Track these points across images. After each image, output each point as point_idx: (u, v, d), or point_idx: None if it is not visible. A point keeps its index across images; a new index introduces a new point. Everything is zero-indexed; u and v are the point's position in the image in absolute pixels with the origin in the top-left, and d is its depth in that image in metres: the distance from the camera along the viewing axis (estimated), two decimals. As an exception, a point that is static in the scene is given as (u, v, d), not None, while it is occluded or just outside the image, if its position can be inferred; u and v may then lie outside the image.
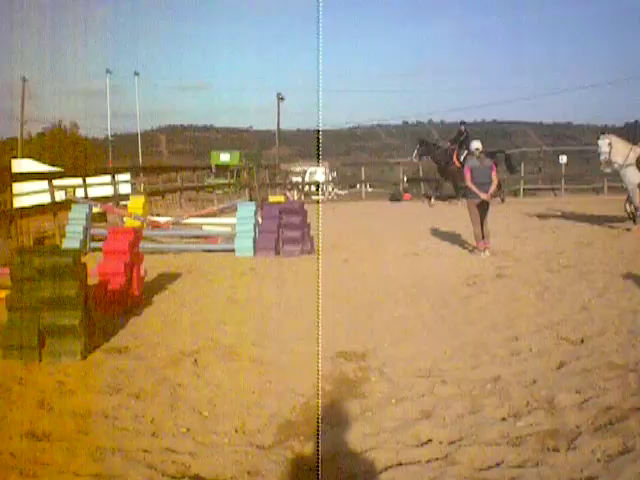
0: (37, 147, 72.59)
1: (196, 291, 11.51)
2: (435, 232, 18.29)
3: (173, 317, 9.74)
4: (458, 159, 28.81)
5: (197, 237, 17.36)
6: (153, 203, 25.94)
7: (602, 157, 17.31)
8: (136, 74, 71.37)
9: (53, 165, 41.24)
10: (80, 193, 22.33)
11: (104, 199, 21.97)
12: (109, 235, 10.60)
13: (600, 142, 17.42)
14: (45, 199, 20.36)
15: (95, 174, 27.29)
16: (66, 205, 18.12)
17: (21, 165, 39.40)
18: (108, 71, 69.93)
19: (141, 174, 33.45)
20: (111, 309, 9.34)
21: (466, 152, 28.04)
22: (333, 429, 5.66)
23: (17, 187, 20.31)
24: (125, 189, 27.74)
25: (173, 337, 8.60)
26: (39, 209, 19.47)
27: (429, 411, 6.09)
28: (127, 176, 30.47)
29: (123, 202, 22.90)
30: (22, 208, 18.61)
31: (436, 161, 30.42)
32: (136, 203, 19.65)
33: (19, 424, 5.84)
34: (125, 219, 18.63)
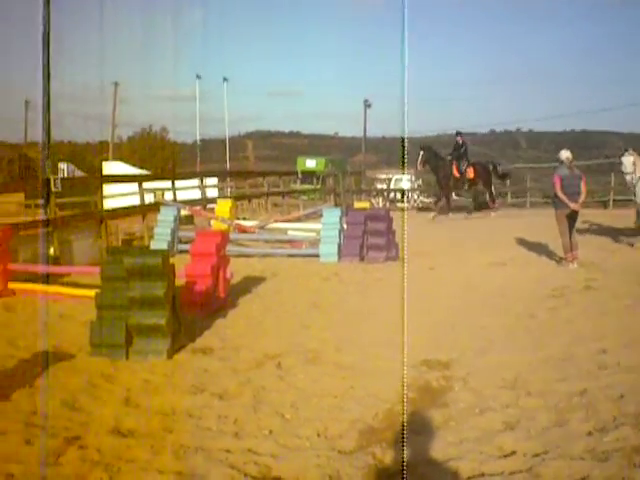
0: (127, 150, 74.10)
1: (280, 295, 11.58)
2: (522, 242, 18.00)
3: (257, 320, 9.83)
4: (458, 170, 27.71)
5: (282, 242, 17.45)
6: (239, 207, 26.20)
7: (628, 177, 16.27)
8: (225, 80, 72.27)
9: (142, 168, 41.99)
10: (168, 196, 22.71)
11: (192, 202, 22.27)
12: (197, 238, 10.74)
13: (624, 160, 16.30)
14: (134, 201, 20.76)
15: (183, 178, 27.71)
16: (155, 207, 18.45)
17: (111, 167, 40.23)
18: (198, 76, 70.96)
19: (228, 178, 33.84)
20: (197, 310, 9.46)
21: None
22: (416, 437, 5.62)
23: (107, 189, 20.74)
24: (212, 193, 28.06)
25: (257, 340, 8.67)
26: (128, 211, 19.87)
27: (513, 423, 5.99)
28: (214, 180, 30.86)
29: (210, 205, 23.17)
30: (112, 209, 18.99)
31: (435, 172, 28.32)
32: (223, 207, 19.92)
33: (105, 420, 5.97)
34: (212, 222, 18.87)
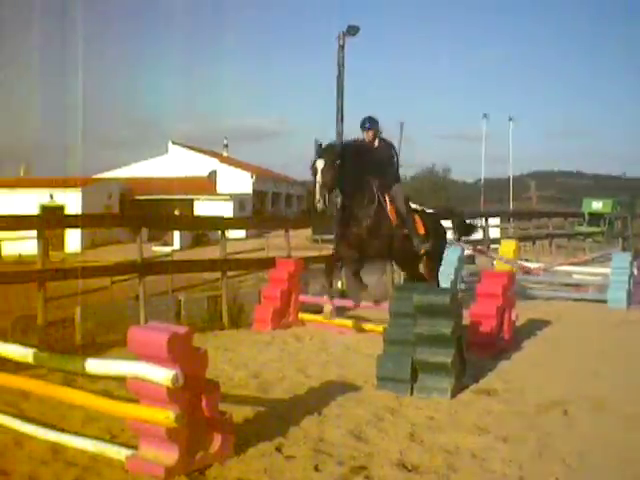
0: (410, 189, 75.58)
1: (566, 339, 11.26)
2: None
3: (542, 364, 9.60)
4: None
5: (567, 285, 17.03)
6: (522, 248, 25.81)
7: None
8: (510, 119, 72.02)
9: (425, 206, 42.49)
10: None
11: (474, 242, 22.22)
12: (483, 278, 10.70)
13: None
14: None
15: (466, 217, 27.70)
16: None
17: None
18: (485, 116, 71.30)
19: (510, 219, 33.52)
20: (481, 351, 9.41)
21: None
22: None
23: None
24: (494, 233, 27.87)
25: (542, 384, 8.47)
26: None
27: None
28: (496, 220, 30.64)
29: (493, 246, 23.02)
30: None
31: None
32: (507, 247, 19.70)
33: (390, 453, 6.06)
34: (495, 263, 18.74)
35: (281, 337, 11.15)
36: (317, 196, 10.27)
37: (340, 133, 24.82)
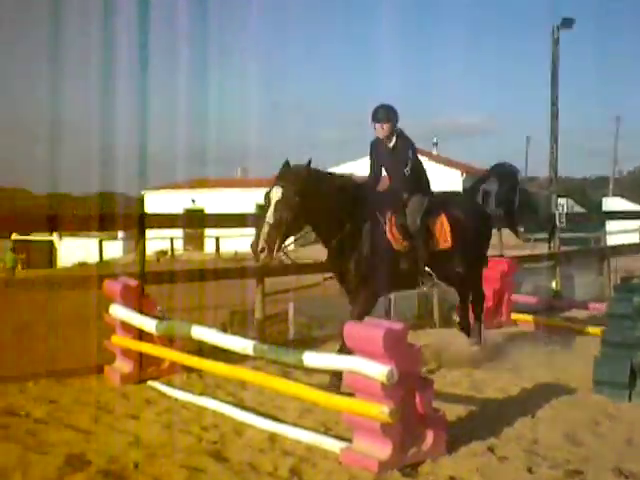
0: (628, 185, 72.73)
1: None
2: None
3: None
4: (403, 230, 8.28)
5: None
6: None
7: None
8: None
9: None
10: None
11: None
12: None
13: None
14: (635, 238, 20.33)
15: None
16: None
17: (611, 203, 39.80)
18: None
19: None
20: None
21: None
22: None
23: (608, 225, 20.57)
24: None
25: None
26: (630, 248, 19.49)
27: None
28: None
29: None
30: (614, 246, 18.77)
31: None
32: None
33: (607, 459, 5.89)
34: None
35: (493, 337, 11.02)
36: (261, 242, 7.17)
37: (555, 130, 24.29)
